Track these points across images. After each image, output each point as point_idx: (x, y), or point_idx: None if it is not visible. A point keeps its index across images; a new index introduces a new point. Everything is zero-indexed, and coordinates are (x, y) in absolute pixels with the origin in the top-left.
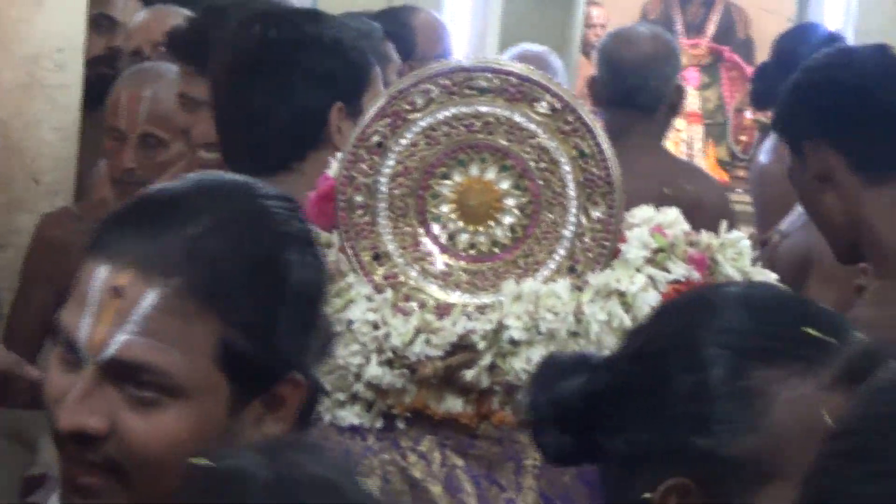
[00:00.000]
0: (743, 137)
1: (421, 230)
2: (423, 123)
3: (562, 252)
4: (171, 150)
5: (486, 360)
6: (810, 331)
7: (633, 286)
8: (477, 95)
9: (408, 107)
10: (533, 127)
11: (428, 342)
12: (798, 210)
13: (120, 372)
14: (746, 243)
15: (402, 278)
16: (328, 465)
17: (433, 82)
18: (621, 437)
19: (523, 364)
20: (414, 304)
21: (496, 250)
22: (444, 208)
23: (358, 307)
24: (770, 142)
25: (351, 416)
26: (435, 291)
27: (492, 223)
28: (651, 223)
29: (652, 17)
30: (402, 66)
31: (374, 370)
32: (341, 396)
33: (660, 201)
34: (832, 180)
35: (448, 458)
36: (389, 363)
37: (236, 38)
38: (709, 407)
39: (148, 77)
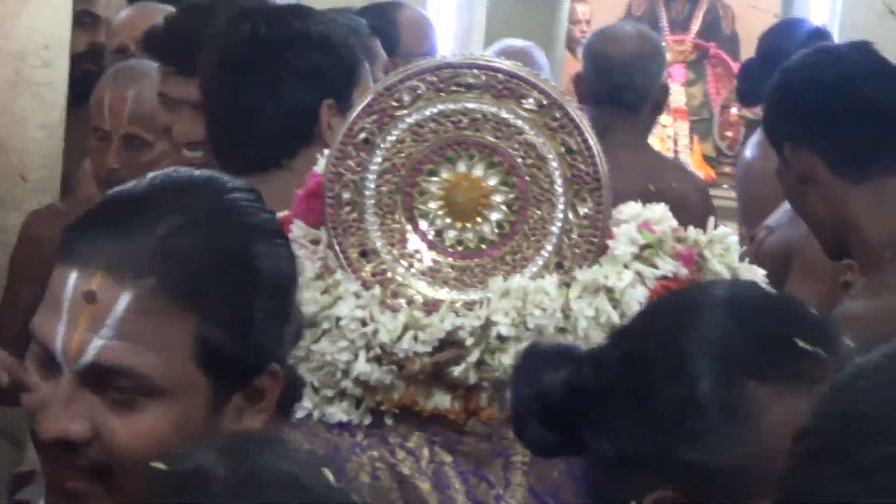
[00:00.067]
0: (729, 133)
1: (408, 227)
2: (410, 120)
3: (549, 248)
4: (156, 150)
5: (474, 356)
6: (800, 342)
7: (621, 282)
8: (464, 92)
9: (395, 103)
10: (520, 123)
11: (416, 338)
12: (785, 206)
13: (98, 377)
14: (734, 239)
15: (389, 275)
16: (291, 460)
17: (420, 79)
18: (606, 439)
19: (511, 360)
20: (402, 301)
21: (484, 247)
22: (432, 205)
23: (346, 304)
24: (756, 137)
25: (339, 412)
26: (423, 288)
27: (479, 220)
28: (639, 219)
29: (637, 13)
30: (386, 62)
31: (362, 366)
32: (329, 393)
33: (645, 198)
34: (814, 180)
35: (436, 454)
36: (377, 360)
37: (225, 36)
38: (697, 419)
39: (131, 76)
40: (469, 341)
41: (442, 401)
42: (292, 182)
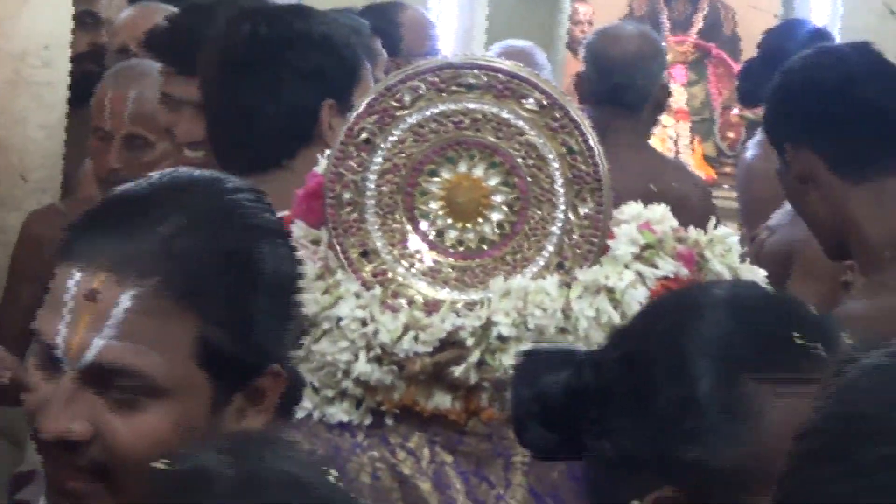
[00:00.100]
0: (730, 134)
1: (409, 227)
2: (411, 120)
3: (550, 249)
4: (157, 150)
5: (475, 356)
6: (800, 341)
7: (622, 282)
8: (465, 92)
9: (396, 103)
10: (521, 123)
11: (416, 339)
12: (786, 206)
13: (100, 376)
14: (735, 240)
15: (390, 275)
16: (292, 460)
17: (421, 79)
18: (607, 440)
19: (512, 360)
20: (402, 301)
21: (484, 247)
22: (433, 205)
23: (346, 304)
24: (757, 138)
25: (340, 412)
26: (423, 288)
27: (480, 220)
28: (639, 220)
29: (638, 13)
30: (387, 62)
31: (362, 367)
32: (330, 393)
33: (646, 198)
34: (815, 181)
35: (437, 454)
36: (378, 360)
37: (226, 36)
38: (698, 419)
39: (133, 76)
40: (470, 341)
41: (442, 401)
42: (293, 182)
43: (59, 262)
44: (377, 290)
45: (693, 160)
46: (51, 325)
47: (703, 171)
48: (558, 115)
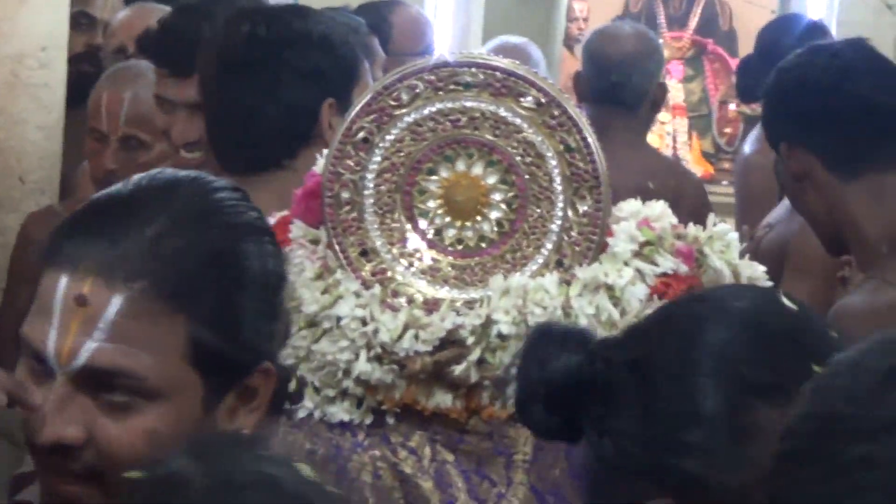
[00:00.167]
0: (727, 129)
1: (408, 226)
2: (408, 119)
3: (549, 246)
4: (153, 151)
5: (475, 354)
6: (817, 369)
7: (621, 280)
8: (462, 90)
9: (393, 102)
10: (519, 121)
11: (416, 337)
12: (784, 203)
13: (92, 380)
14: (734, 236)
15: (389, 274)
16: (265, 458)
17: (418, 78)
18: (609, 439)
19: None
20: (402, 300)
21: (483, 245)
22: (431, 204)
23: (346, 303)
24: (755, 132)
25: (340, 412)
26: (423, 287)
27: (479, 218)
28: (638, 217)
29: (634, 10)
30: (385, 60)
31: (363, 366)
32: (331, 393)
33: (644, 196)
34: (811, 178)
35: (438, 453)
36: (378, 359)
37: (225, 36)
38: (703, 436)
39: (129, 77)
40: (470, 340)
41: (443, 399)
42: (293, 182)
43: (45, 267)
44: (377, 289)
45: (691, 156)
46: (40, 331)
47: (701, 167)
48: (556, 113)
